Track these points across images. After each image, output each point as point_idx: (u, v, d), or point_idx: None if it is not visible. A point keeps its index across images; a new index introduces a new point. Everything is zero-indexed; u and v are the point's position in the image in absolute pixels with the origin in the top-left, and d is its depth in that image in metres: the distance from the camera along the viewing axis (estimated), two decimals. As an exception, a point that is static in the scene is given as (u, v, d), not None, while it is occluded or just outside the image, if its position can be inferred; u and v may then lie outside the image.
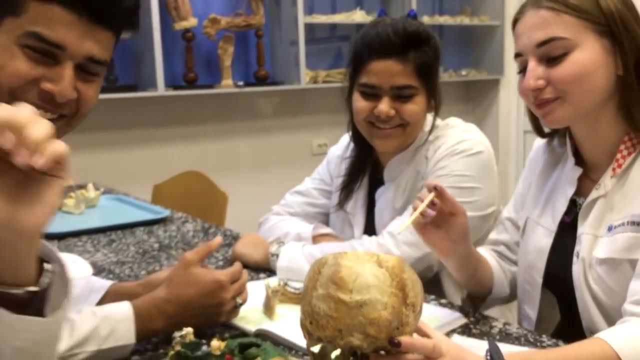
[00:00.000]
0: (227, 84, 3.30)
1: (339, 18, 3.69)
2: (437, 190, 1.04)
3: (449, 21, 4.08)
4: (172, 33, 3.15)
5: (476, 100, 4.46)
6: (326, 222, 1.59)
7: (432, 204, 1.05)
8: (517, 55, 1.09)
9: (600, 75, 1.03)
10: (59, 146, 0.61)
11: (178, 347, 0.87)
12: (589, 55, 1.02)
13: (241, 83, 3.33)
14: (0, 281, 0.64)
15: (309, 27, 3.50)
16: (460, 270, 1.17)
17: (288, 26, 3.44)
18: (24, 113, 0.60)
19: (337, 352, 0.81)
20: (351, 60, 1.42)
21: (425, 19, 3.94)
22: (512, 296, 1.28)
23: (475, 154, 1.37)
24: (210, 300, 1.06)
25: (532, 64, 1.05)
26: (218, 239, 1.15)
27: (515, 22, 1.10)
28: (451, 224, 1.08)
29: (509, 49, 4.27)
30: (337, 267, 0.78)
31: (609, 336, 0.90)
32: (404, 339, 0.78)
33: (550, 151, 1.23)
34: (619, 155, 1.06)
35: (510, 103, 4.36)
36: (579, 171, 1.12)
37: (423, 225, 1.08)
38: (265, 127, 3.62)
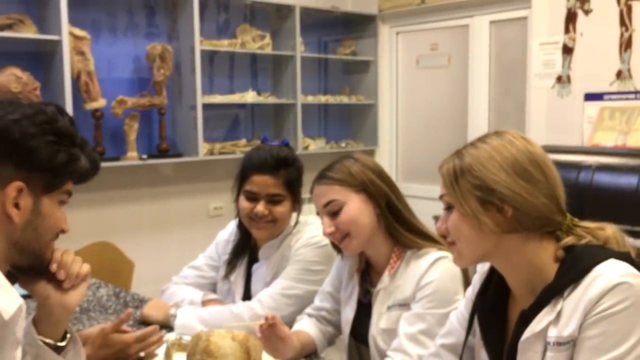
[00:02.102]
0: (132, 156, 3.72)
1: (234, 98, 4.21)
2: (267, 319, 1.52)
3: (330, 100, 4.70)
4: (83, 112, 3.54)
5: (355, 167, 5.08)
6: (214, 290, 2.07)
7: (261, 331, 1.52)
8: (317, 212, 1.66)
9: (366, 217, 1.60)
10: (85, 269, 1.21)
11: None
12: (354, 207, 1.59)
13: (145, 156, 3.76)
14: (43, 335, 1.17)
15: (207, 104, 3.99)
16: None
17: (188, 105, 3.91)
18: (69, 257, 1.19)
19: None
20: (239, 172, 1.93)
21: (310, 98, 4.54)
22: (330, 344, 1.81)
23: (323, 246, 1.90)
24: (118, 355, 1.54)
25: (325, 218, 1.63)
26: (129, 311, 1.62)
27: (311, 191, 1.66)
28: (279, 344, 1.56)
29: (382, 123, 4.96)
30: (207, 342, 1.27)
31: None
32: None
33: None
34: (391, 261, 1.62)
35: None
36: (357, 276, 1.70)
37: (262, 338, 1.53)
38: (167, 193, 4.04)
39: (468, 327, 1.31)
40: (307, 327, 1.76)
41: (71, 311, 1.21)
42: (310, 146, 4.57)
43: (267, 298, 1.85)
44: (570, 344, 1.09)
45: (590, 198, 2.70)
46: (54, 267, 1.18)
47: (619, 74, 3.61)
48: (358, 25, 4.88)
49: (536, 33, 3.97)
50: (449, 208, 1.23)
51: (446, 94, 4.67)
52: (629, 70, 3.58)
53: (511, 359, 1.17)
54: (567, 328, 1.09)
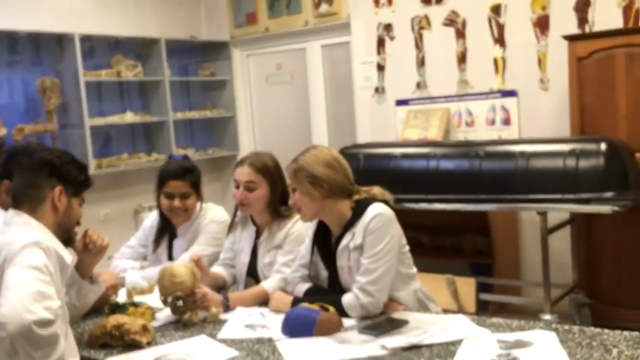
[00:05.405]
0: (33, 175, 4.34)
1: (114, 119, 4.93)
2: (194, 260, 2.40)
3: (195, 115, 5.56)
4: (-13, 140, 4.13)
5: (221, 171, 5.97)
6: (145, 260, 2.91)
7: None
8: (235, 181, 2.54)
9: (264, 198, 2.46)
10: (106, 241, 2.04)
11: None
12: (262, 191, 2.44)
13: (44, 173, 4.40)
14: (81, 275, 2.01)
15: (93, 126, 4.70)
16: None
17: (76, 128, 4.61)
18: (95, 235, 2.03)
19: (170, 299, 2.19)
20: (158, 179, 2.75)
21: (179, 115, 5.35)
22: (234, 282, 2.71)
23: (222, 222, 2.79)
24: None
25: (241, 189, 2.46)
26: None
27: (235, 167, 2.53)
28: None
29: (241, 132, 5.87)
30: (171, 269, 2.16)
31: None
32: (196, 291, 2.19)
33: (242, 219, 2.68)
34: (269, 222, 2.55)
35: (245, 171, 5.95)
36: (254, 228, 2.62)
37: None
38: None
39: (311, 251, 2.30)
40: (217, 269, 2.67)
41: (96, 263, 2.07)
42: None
43: (186, 259, 2.72)
44: (360, 248, 2.12)
45: (398, 178, 3.83)
46: (87, 241, 2.04)
47: (418, 85, 4.84)
48: (214, 51, 5.76)
49: (356, 54, 5.10)
50: (294, 190, 2.21)
51: (292, 104, 5.69)
52: (424, 81, 4.81)
53: (333, 264, 2.18)
54: (357, 240, 2.12)
